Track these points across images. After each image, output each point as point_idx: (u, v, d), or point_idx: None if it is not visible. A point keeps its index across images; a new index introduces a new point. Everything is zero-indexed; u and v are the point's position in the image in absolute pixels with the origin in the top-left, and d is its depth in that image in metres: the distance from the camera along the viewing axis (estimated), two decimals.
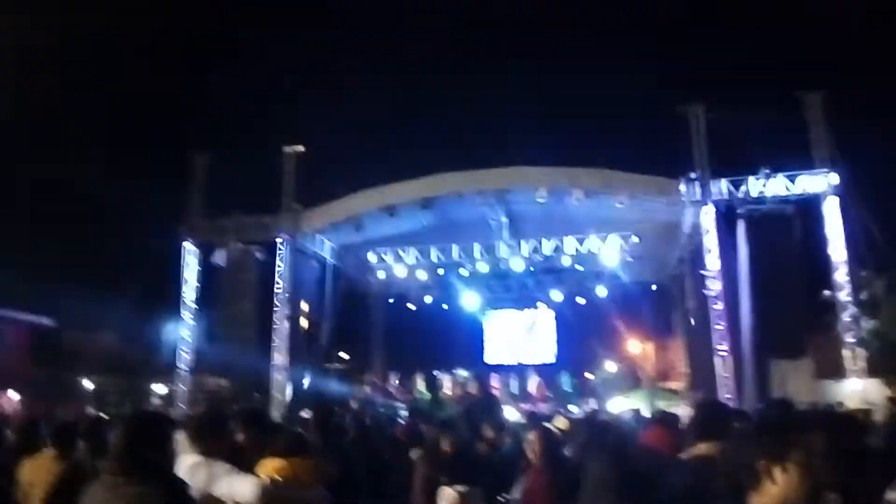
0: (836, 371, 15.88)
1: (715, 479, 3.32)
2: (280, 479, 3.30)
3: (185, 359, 19.02)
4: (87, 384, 22.70)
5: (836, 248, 15.62)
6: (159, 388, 24.21)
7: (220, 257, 19.05)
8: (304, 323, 19.84)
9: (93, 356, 22.66)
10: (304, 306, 19.84)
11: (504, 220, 19.20)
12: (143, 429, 2.92)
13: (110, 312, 19.96)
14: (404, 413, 18.39)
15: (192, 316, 19.12)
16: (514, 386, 24.12)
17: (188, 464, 3.38)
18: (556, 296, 25.41)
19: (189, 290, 19.18)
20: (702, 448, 3.54)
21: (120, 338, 23.95)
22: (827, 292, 15.93)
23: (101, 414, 15.34)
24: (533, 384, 24.15)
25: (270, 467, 3.37)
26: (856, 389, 14.70)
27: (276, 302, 18.71)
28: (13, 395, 20.70)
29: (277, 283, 18.78)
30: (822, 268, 15.83)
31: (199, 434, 4.36)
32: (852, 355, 15.24)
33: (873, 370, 15.39)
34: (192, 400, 19.48)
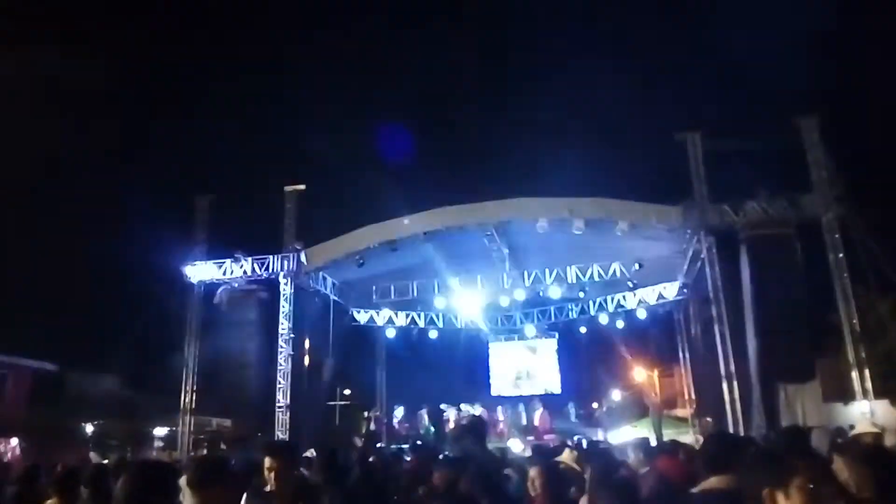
0: (843, 394, 15.77)
1: None
2: None
3: (186, 400, 18.85)
4: (89, 428, 22.49)
5: (839, 271, 15.60)
6: (161, 431, 23.99)
7: (221, 298, 19.05)
8: (306, 360, 19.73)
9: (95, 400, 22.49)
10: (307, 343, 19.75)
11: (505, 251, 19.23)
12: (149, 478, 2.90)
13: (112, 355, 19.84)
14: (408, 448, 18.24)
15: (194, 356, 19.03)
16: (520, 418, 23.84)
17: None
18: (560, 326, 25.33)
19: (191, 330, 19.13)
20: (713, 481, 3.49)
21: (122, 380, 23.81)
22: (832, 315, 15.89)
23: (103, 459, 15.19)
24: (537, 416, 23.89)
25: None
26: (864, 412, 14.57)
27: (279, 341, 18.64)
28: (14, 442, 20.49)
29: (280, 321, 18.73)
30: (827, 290, 15.80)
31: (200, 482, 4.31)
32: (859, 378, 15.13)
33: (881, 392, 15.29)
34: (194, 442, 19.30)
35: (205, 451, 19.68)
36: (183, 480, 4.51)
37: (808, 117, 16.37)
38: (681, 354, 22.92)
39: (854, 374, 15.13)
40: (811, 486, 1.93)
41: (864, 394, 14.92)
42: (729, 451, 3.75)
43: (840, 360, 15.68)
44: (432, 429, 22.76)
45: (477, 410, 22.99)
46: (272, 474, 3.94)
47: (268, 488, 3.93)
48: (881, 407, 14.96)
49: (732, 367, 15.65)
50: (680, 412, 24.27)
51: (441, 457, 6.60)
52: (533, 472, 4.65)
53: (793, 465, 1.97)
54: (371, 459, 9.75)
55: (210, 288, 19.43)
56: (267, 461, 3.99)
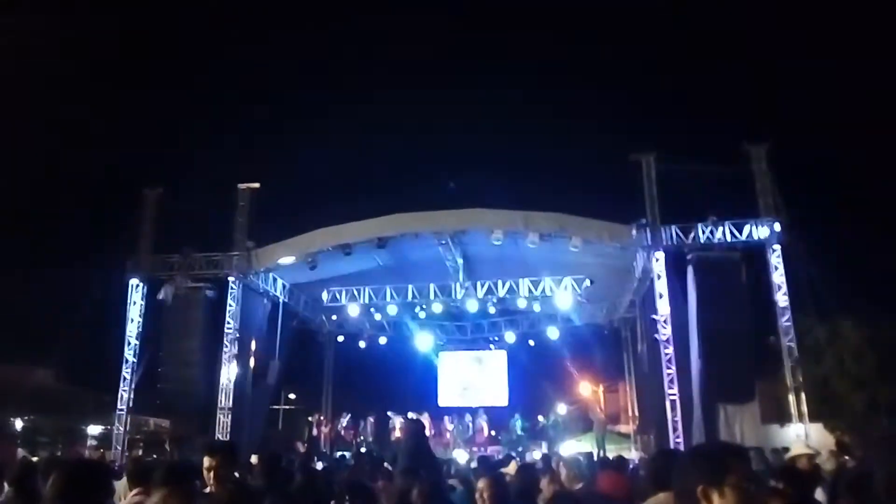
0: (781, 416, 16.25)
1: None
2: None
3: (124, 398, 18.21)
4: (18, 424, 21.56)
5: (781, 295, 16.11)
6: (95, 430, 23.16)
7: (166, 294, 18.49)
8: (252, 362, 19.32)
9: (25, 394, 21.57)
10: (253, 345, 19.35)
11: (459, 261, 19.26)
12: (80, 478, 2.75)
13: (46, 348, 19.06)
14: (350, 456, 18.03)
15: (134, 353, 18.42)
16: (466, 428, 23.87)
17: None
18: (510, 338, 25.48)
19: (133, 326, 18.52)
20: (660, 498, 3.51)
21: (55, 375, 22.90)
22: (772, 338, 16.37)
23: (32, 457, 14.55)
24: (482, 427, 23.96)
25: None
26: (799, 434, 15.03)
27: (224, 341, 18.19)
28: None
29: (227, 321, 18.30)
30: (768, 314, 16.29)
31: (138, 480, 4.14)
32: (796, 401, 15.61)
33: (815, 416, 15.80)
34: (130, 441, 18.66)
35: (140, 452, 19.09)
36: (120, 482, 4.34)
37: (758, 145, 16.92)
38: (626, 371, 23.31)
39: (791, 398, 15.61)
40: (745, 484, 1.98)
41: (800, 417, 15.41)
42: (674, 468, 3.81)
43: (778, 383, 16.15)
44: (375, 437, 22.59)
45: (424, 419, 22.95)
46: (211, 474, 3.81)
47: (207, 490, 3.79)
48: (815, 430, 15.47)
49: (676, 386, 15.97)
50: (623, 428, 24.64)
51: (392, 467, 6.53)
52: (482, 483, 4.61)
53: (727, 464, 2.02)
54: (313, 466, 9.58)
55: (155, 283, 18.84)
56: (206, 461, 3.86)
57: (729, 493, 1.98)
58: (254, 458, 7.70)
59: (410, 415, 22.53)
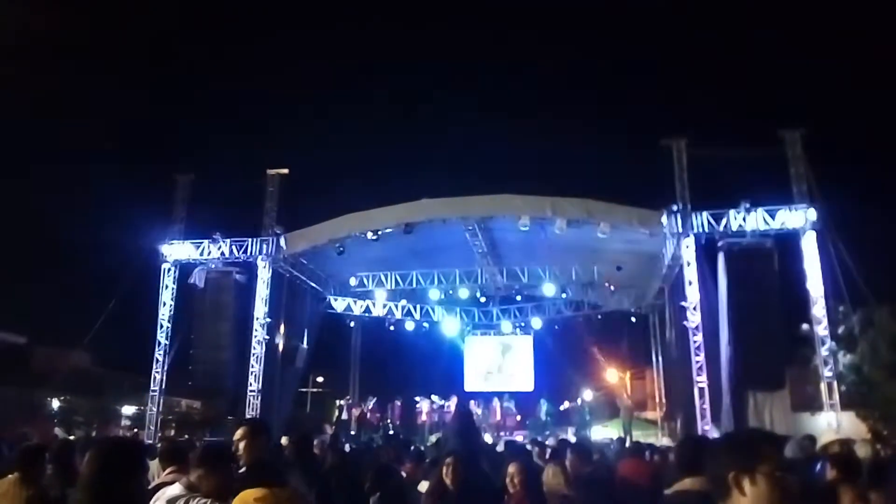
0: (811, 404, 16.00)
1: None
2: None
3: (157, 380, 18.60)
4: (55, 404, 22.15)
5: (814, 283, 15.82)
6: (129, 410, 23.71)
7: (198, 278, 18.79)
8: (280, 346, 19.58)
9: (63, 375, 22.15)
10: (282, 329, 19.60)
11: (486, 246, 19.22)
12: (116, 457, 2.81)
13: (82, 331, 19.51)
14: (378, 438, 18.20)
15: (166, 336, 18.77)
16: (492, 413, 23.93)
17: (169, 494, 3.24)
18: (536, 323, 25.44)
19: (165, 310, 18.87)
20: (686, 482, 3.51)
21: (91, 357, 23.46)
22: (805, 326, 16.10)
23: (69, 435, 14.95)
24: (509, 412, 23.99)
25: (250, 497, 3.22)
26: (831, 423, 14.81)
27: (254, 325, 18.45)
28: None
29: (256, 305, 18.54)
30: (801, 302, 16.02)
31: (171, 460, 4.23)
32: (828, 389, 15.37)
33: (848, 404, 15.54)
34: (163, 422, 19.07)
35: (173, 432, 19.52)
36: (153, 462, 4.44)
37: (793, 130, 16.55)
38: (654, 358, 23.13)
39: (823, 386, 15.37)
40: (777, 472, 1.97)
41: (832, 405, 15.17)
42: (703, 453, 3.79)
43: (810, 371, 15.91)
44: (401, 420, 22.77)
45: (452, 403, 23.10)
46: (242, 444, 3.90)
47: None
48: (847, 419, 15.21)
49: (704, 373, 15.81)
50: (650, 414, 24.51)
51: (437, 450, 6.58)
52: (512, 468, 4.62)
53: (760, 451, 2.01)
54: (345, 448, 9.70)
55: (186, 268, 19.16)
56: (238, 432, 3.96)
57: (760, 481, 1.97)
58: (284, 440, 7.81)
59: (435, 398, 22.70)
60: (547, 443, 12.29)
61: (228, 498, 3.31)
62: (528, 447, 8.68)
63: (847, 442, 7.13)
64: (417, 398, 23.10)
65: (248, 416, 17.56)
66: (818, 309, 15.74)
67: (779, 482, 1.97)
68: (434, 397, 23.08)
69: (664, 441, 19.33)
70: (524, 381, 26.32)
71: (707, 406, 15.67)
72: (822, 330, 15.64)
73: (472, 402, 23.95)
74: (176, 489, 3.27)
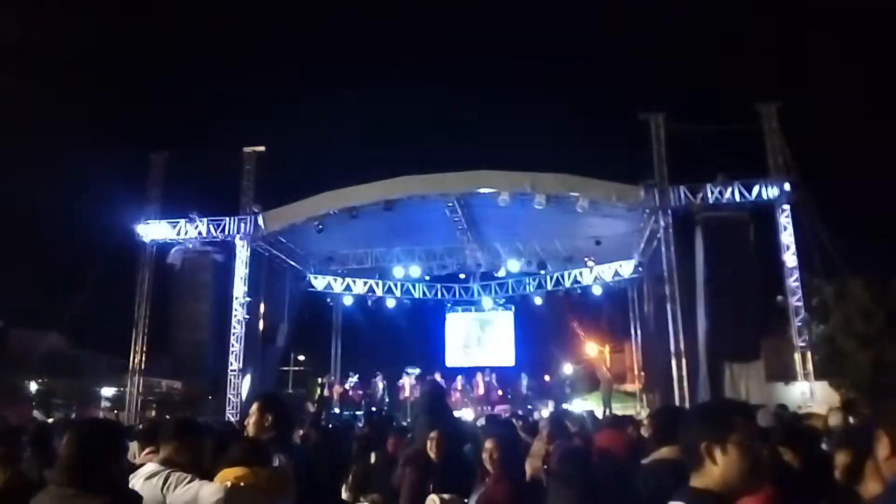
0: (785, 374, 16.34)
1: (678, 481, 3.38)
2: (242, 486, 3.17)
3: (135, 361, 18.47)
4: (33, 386, 21.94)
5: (789, 255, 16.07)
6: (108, 392, 23.54)
7: (175, 258, 18.60)
8: (261, 325, 19.50)
9: (40, 357, 21.91)
10: (262, 308, 19.51)
11: (466, 223, 19.22)
12: (95, 437, 2.79)
13: (59, 312, 19.27)
14: (361, 415, 18.29)
15: (144, 317, 18.60)
16: (473, 388, 24.14)
17: (145, 472, 3.25)
18: (516, 299, 25.58)
19: (142, 290, 18.67)
20: (663, 452, 3.58)
21: (68, 339, 23.20)
22: (780, 297, 16.38)
23: (48, 418, 14.83)
24: (488, 387, 24.21)
25: (231, 475, 3.23)
26: (804, 392, 15.15)
27: (233, 304, 18.34)
28: None
29: (235, 285, 18.41)
30: (776, 273, 16.27)
31: (149, 440, 4.23)
32: (801, 359, 15.69)
33: (821, 374, 15.90)
34: (143, 403, 18.97)
35: (154, 413, 19.41)
36: (133, 443, 4.43)
37: (769, 103, 16.66)
38: (632, 331, 23.41)
39: (797, 356, 15.69)
40: (748, 442, 1.99)
41: (806, 375, 15.50)
42: (678, 423, 3.87)
43: (784, 342, 16.22)
44: (386, 397, 22.85)
45: (437, 377, 23.24)
46: (252, 418, 4.04)
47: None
48: (821, 388, 15.57)
49: (682, 345, 16.04)
50: (629, 387, 24.87)
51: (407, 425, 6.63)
52: (489, 443, 4.61)
53: (731, 421, 2.02)
54: (327, 425, 9.74)
55: (163, 248, 18.94)
56: (252, 407, 4.13)
57: (732, 451, 1.98)
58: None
59: (410, 370, 22.82)
60: (533, 417, 12.46)
61: (203, 470, 3.34)
62: (513, 420, 8.77)
63: (825, 418, 7.26)
64: (409, 370, 23.15)
65: (228, 401, 17.58)
66: (793, 280, 16.00)
67: (749, 451, 1.99)
68: (409, 369, 23.22)
69: (643, 413, 19.66)
70: (505, 356, 26.53)
71: (685, 377, 15.93)
72: (796, 301, 15.92)
73: (458, 377, 24.16)
74: (151, 467, 3.27)
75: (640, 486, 3.55)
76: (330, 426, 11.42)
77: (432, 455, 4.85)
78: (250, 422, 4.05)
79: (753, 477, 2.00)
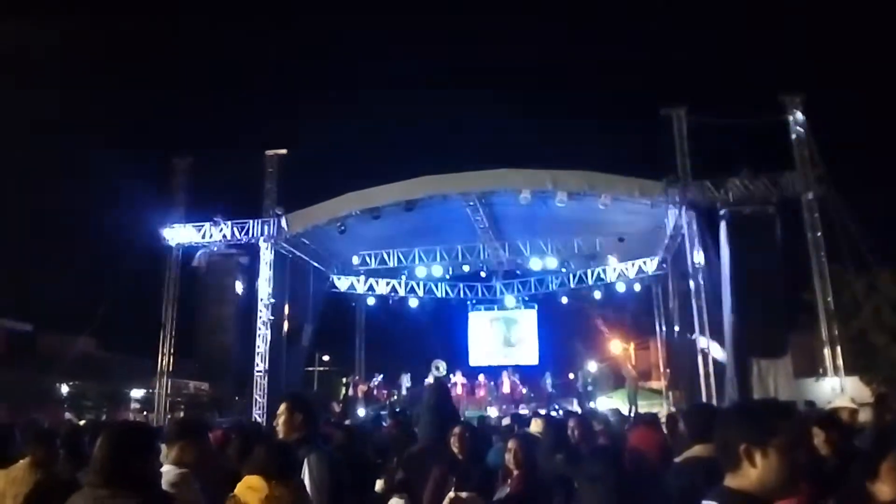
0: (814, 370, 16.09)
1: (710, 480, 3.36)
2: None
3: (164, 363, 18.73)
4: (64, 389, 22.30)
5: (817, 249, 15.80)
6: (137, 393, 23.86)
7: (200, 261, 18.84)
8: (285, 326, 19.66)
9: (70, 360, 22.27)
10: (287, 309, 19.67)
11: (487, 222, 19.20)
12: (128, 439, 2.84)
13: (88, 316, 19.60)
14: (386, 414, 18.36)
15: (171, 320, 18.86)
16: (498, 387, 24.14)
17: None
18: (539, 297, 25.51)
19: (169, 293, 18.93)
20: (696, 450, 3.55)
21: (97, 342, 23.57)
22: (807, 292, 16.12)
23: (79, 420, 15.09)
24: (514, 385, 24.17)
25: (246, 487, 3.20)
26: (835, 388, 14.89)
27: (258, 306, 18.52)
28: None
29: (260, 286, 18.59)
30: (804, 268, 16.01)
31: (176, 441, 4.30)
32: (831, 354, 15.43)
33: (851, 369, 15.62)
34: (171, 405, 19.24)
35: (182, 414, 19.66)
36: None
37: (793, 95, 16.40)
38: (657, 328, 23.22)
39: (826, 351, 15.43)
40: (790, 448, 1.94)
41: (836, 370, 15.24)
42: (712, 421, 3.85)
43: (813, 337, 15.96)
44: (407, 395, 22.92)
45: (458, 377, 23.31)
46: (281, 419, 4.09)
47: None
48: (851, 383, 15.30)
49: (708, 342, 15.86)
50: (654, 384, 24.66)
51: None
52: (511, 444, 4.63)
53: (775, 425, 1.97)
54: (351, 425, 9.78)
55: (189, 251, 19.19)
56: (280, 408, 4.16)
57: (773, 455, 1.92)
58: None
59: (439, 363, 22.87)
60: (552, 413, 12.40)
61: (228, 471, 3.37)
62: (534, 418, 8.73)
63: (854, 410, 7.12)
64: (438, 364, 23.18)
65: (255, 401, 17.75)
66: (821, 275, 15.74)
67: (790, 457, 1.93)
68: (438, 362, 23.27)
69: (663, 411, 19.49)
70: (529, 354, 26.48)
71: (711, 374, 15.76)
72: (825, 296, 15.66)
73: (481, 375, 24.16)
74: (165, 468, 3.33)
75: (671, 485, 3.52)
76: (350, 425, 11.46)
77: (455, 450, 4.86)
78: (280, 421, 4.08)
79: (792, 482, 1.96)
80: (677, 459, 3.63)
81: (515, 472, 4.48)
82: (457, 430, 4.93)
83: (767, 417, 2.01)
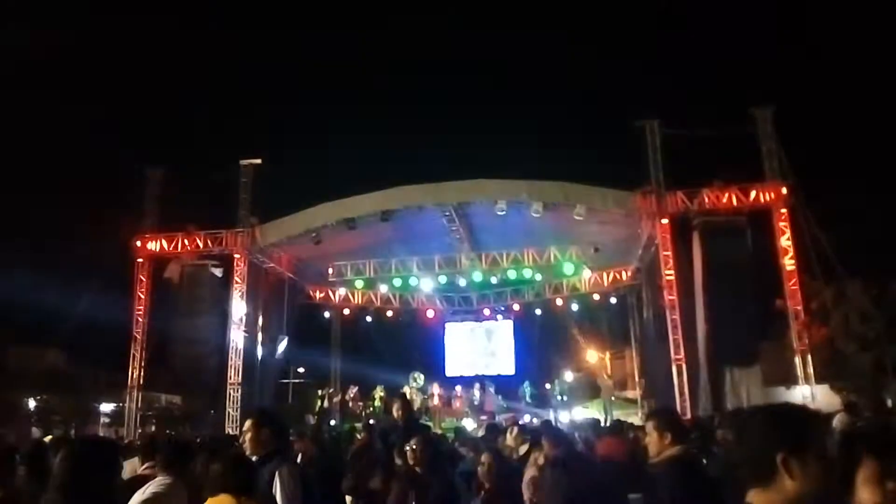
0: (785, 378, 16.30)
1: (693, 477, 3.39)
2: None
3: (134, 376, 18.39)
4: (31, 404, 21.80)
5: (787, 259, 16.06)
6: (107, 407, 23.42)
7: (172, 272, 18.57)
8: (260, 337, 19.44)
9: (38, 374, 21.79)
10: (261, 321, 19.45)
11: (464, 232, 19.20)
12: (88, 455, 2.77)
13: (56, 329, 19.21)
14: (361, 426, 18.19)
15: (143, 332, 18.53)
16: (474, 398, 24.06)
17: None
18: (516, 307, 25.53)
19: (140, 305, 18.61)
20: (672, 451, 3.58)
21: (66, 355, 23.11)
22: (779, 301, 16.35)
23: (46, 435, 14.73)
24: (488, 397, 24.12)
25: None
26: (805, 396, 15.09)
27: (232, 317, 18.28)
28: None
29: (234, 298, 18.37)
30: (774, 277, 16.25)
31: (148, 455, 4.21)
32: (801, 362, 15.65)
33: (821, 377, 15.85)
34: (142, 418, 18.88)
35: (153, 428, 19.32)
36: (129, 461, 4.40)
37: (764, 108, 16.72)
38: (632, 337, 23.36)
39: (797, 359, 15.65)
40: (827, 455, 1.78)
41: (806, 378, 15.45)
42: (682, 424, 4.15)
43: (784, 346, 16.17)
44: (381, 406, 22.74)
45: (435, 388, 23.19)
46: (248, 435, 4.00)
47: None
48: (821, 391, 15.51)
49: (682, 351, 16.01)
50: (630, 394, 24.76)
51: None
52: (486, 458, 4.61)
53: (812, 431, 1.81)
54: (324, 438, 9.69)
55: (161, 262, 18.91)
56: (245, 424, 4.09)
57: (813, 464, 1.75)
58: None
59: (417, 375, 22.77)
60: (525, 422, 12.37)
61: (198, 486, 3.30)
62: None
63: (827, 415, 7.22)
64: (417, 378, 23.03)
65: (228, 415, 17.49)
66: (791, 284, 15.99)
67: (829, 466, 1.76)
68: (416, 374, 23.16)
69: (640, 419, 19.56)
70: (505, 365, 26.46)
71: (685, 383, 15.89)
72: (795, 305, 15.89)
73: (457, 386, 24.07)
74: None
75: (650, 487, 3.56)
76: (329, 436, 11.36)
77: (412, 463, 4.81)
78: (246, 438, 4.00)
79: (829, 494, 1.76)
80: (654, 460, 3.66)
81: (487, 486, 4.46)
82: (413, 442, 4.85)
83: (804, 423, 1.84)
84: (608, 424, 12.51)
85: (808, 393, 15.21)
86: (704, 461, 5.16)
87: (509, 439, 6.84)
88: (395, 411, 6.99)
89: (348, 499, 5.37)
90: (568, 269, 20.56)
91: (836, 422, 8.69)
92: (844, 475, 1.96)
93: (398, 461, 5.67)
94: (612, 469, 5.66)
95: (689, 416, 14.01)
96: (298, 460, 6.13)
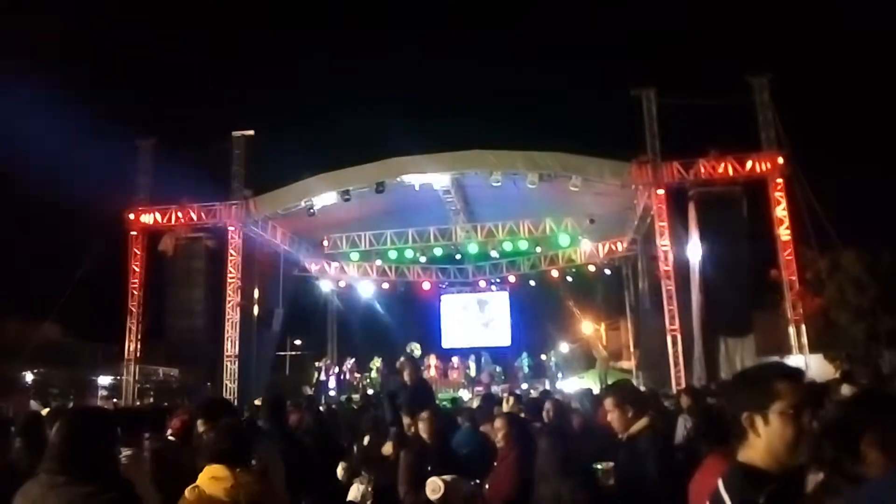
0: (779, 348, 16.39)
1: (668, 447, 3.43)
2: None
3: (131, 349, 18.41)
4: (29, 377, 21.82)
5: (783, 229, 16.07)
6: (105, 380, 23.48)
7: (166, 245, 18.48)
8: (256, 310, 19.44)
9: (34, 347, 21.76)
10: (256, 293, 19.43)
11: (459, 204, 19.14)
12: (86, 425, 2.75)
13: (52, 301, 19.14)
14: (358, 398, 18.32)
15: (138, 305, 18.51)
16: (471, 369, 24.24)
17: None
18: (511, 279, 25.60)
19: (134, 278, 18.56)
20: (641, 424, 3.62)
21: (63, 328, 23.07)
22: (774, 271, 16.40)
23: (44, 408, 14.76)
24: (486, 367, 24.28)
25: (210, 478, 3.00)
26: (800, 366, 15.18)
27: (228, 290, 18.26)
28: None
29: (229, 270, 18.32)
30: (770, 247, 16.28)
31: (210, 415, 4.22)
32: (796, 332, 15.74)
33: (815, 347, 15.96)
34: (140, 391, 18.95)
35: (151, 400, 19.39)
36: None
37: (760, 77, 16.58)
38: (627, 308, 23.47)
39: (791, 330, 15.74)
40: (791, 411, 1.84)
41: (801, 348, 15.56)
42: (643, 396, 4.50)
43: (778, 315, 16.25)
44: (378, 377, 22.89)
45: (432, 359, 23.35)
46: (205, 430, 4.00)
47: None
48: (815, 361, 15.62)
49: (677, 322, 16.08)
50: (625, 364, 24.95)
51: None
52: (499, 422, 4.58)
53: (775, 389, 1.87)
54: (321, 409, 9.74)
55: (155, 234, 18.80)
56: (198, 423, 4.15)
57: (775, 422, 1.83)
58: (258, 401, 7.81)
59: (413, 346, 22.88)
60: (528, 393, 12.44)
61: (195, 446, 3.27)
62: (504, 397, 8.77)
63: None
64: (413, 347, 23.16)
65: (225, 387, 17.55)
66: (786, 254, 16.02)
67: (794, 421, 1.83)
68: (412, 345, 23.27)
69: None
70: (501, 336, 26.62)
71: (680, 353, 16.00)
72: (789, 275, 15.94)
73: (454, 357, 24.21)
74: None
75: (626, 459, 3.61)
76: (321, 409, 11.42)
77: (424, 435, 4.82)
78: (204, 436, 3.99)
79: (800, 449, 1.85)
80: (622, 436, 3.71)
81: (504, 451, 4.44)
82: (424, 414, 4.87)
83: (766, 382, 1.91)
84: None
85: (801, 363, 15.27)
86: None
87: (505, 409, 6.88)
88: (405, 374, 7.08)
89: (340, 467, 5.39)
90: (563, 240, 20.61)
91: (846, 389, 8.70)
92: (849, 440, 2.00)
93: (406, 420, 5.72)
94: (608, 439, 5.71)
95: (683, 385, 14.09)
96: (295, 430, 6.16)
